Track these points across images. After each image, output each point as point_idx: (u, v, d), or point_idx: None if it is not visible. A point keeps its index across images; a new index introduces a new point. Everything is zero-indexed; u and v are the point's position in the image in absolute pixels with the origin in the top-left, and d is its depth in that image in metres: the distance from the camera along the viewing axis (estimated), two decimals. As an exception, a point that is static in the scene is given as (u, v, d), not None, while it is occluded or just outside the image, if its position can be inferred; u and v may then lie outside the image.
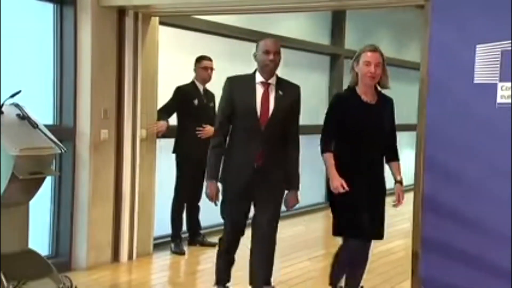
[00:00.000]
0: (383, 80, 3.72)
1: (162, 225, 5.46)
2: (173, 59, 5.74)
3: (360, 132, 3.68)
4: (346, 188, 3.58)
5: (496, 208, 3.69)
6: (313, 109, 7.73)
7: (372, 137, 3.70)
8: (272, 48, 3.71)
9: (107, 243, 4.95)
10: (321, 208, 7.60)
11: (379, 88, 3.78)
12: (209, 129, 5.02)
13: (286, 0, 4.68)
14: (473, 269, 3.70)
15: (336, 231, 3.79)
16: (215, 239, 4.63)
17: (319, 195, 7.83)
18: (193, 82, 5.44)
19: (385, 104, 3.78)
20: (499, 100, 3.67)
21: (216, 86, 4.89)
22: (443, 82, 3.82)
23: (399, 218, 5.50)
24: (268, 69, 3.72)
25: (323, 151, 3.72)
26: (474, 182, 3.75)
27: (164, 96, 5.40)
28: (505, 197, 3.65)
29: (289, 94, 3.80)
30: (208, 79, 5.43)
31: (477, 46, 3.70)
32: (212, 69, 5.42)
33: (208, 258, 4.89)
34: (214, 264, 4.03)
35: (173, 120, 5.44)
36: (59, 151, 3.53)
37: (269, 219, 3.77)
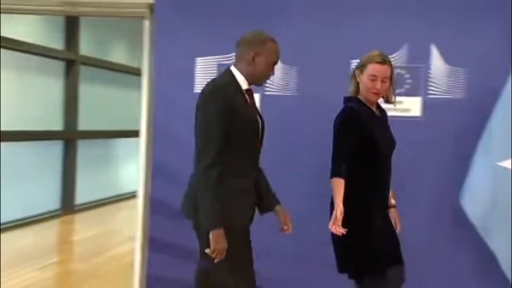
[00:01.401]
0: (389, 94, 3.13)
1: None
2: None
3: (380, 150, 3.09)
4: (341, 231, 2.92)
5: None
6: (45, 114, 7.52)
7: (389, 155, 3.16)
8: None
9: None
10: (54, 215, 7.41)
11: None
12: None
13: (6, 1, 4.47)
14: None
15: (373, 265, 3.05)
16: None
17: (51, 202, 7.63)
18: None
19: (385, 116, 3.26)
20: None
21: None
22: (167, 91, 4.02)
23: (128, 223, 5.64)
24: None
25: (334, 175, 3.02)
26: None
27: None
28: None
29: None
30: None
31: (197, 58, 4.01)
32: None
33: None
34: None
35: None
36: None
37: None
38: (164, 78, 4.04)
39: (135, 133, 4.53)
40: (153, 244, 4.08)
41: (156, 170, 4.09)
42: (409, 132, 3.72)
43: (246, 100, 2.89)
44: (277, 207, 3.04)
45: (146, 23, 4.12)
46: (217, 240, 2.73)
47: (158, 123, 4.08)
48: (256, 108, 2.97)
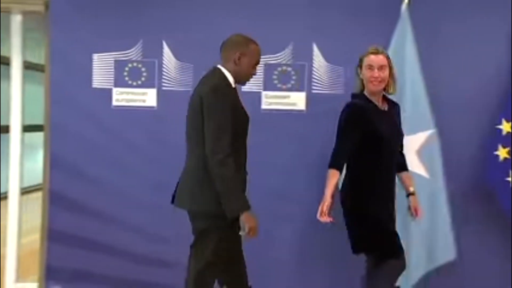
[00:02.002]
0: (389, 85, 3.31)
1: None
2: None
3: (384, 144, 3.25)
4: (327, 220, 3.16)
5: (116, 198, 4.16)
6: None
7: (394, 148, 3.34)
8: None
9: None
10: None
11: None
12: None
13: None
14: (96, 253, 4.15)
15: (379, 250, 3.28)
16: None
17: None
18: None
19: (394, 110, 3.40)
20: (114, 103, 4.17)
21: None
22: (64, 87, 4.08)
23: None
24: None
25: (331, 165, 3.22)
26: (97, 177, 4.14)
27: None
28: (124, 189, 4.15)
29: None
30: None
31: (94, 55, 4.11)
32: None
33: None
34: None
35: None
36: None
37: None
38: (61, 74, 4.10)
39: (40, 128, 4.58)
40: (52, 235, 4.15)
41: (54, 164, 4.16)
42: (295, 124, 4.06)
43: (238, 97, 3.13)
44: None
45: (42, 19, 4.15)
46: (249, 220, 2.95)
47: (55, 118, 4.12)
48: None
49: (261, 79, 4.08)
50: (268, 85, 4.10)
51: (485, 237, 3.98)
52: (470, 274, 3.98)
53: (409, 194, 3.44)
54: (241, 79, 3.17)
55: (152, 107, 4.15)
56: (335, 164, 3.22)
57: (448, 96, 3.86)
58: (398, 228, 3.72)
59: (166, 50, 4.13)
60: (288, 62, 4.07)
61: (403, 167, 3.46)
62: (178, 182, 3.24)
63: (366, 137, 3.21)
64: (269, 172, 4.05)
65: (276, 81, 4.10)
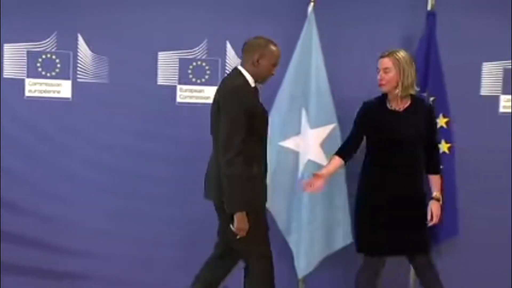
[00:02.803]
0: (399, 86, 3.44)
1: None
2: None
3: (383, 141, 3.46)
4: (312, 188, 3.52)
5: (28, 189, 4.16)
6: None
7: (396, 147, 3.43)
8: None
9: None
10: None
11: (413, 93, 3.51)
12: None
13: None
14: (7, 243, 4.15)
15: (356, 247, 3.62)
16: None
17: None
18: None
19: (418, 111, 3.48)
20: (27, 93, 4.13)
21: None
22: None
23: None
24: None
25: (336, 151, 3.66)
26: (9, 167, 4.13)
27: None
28: (36, 180, 4.16)
29: None
30: None
31: (4, 44, 4.06)
32: None
33: None
34: None
35: None
36: None
37: None
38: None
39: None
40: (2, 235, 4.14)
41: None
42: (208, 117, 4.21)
43: (257, 96, 3.30)
44: None
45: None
46: (240, 221, 3.18)
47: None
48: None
49: (176, 73, 4.21)
50: (183, 79, 4.22)
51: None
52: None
53: (431, 198, 3.54)
54: (260, 79, 3.34)
55: (67, 98, 4.17)
56: (337, 151, 3.64)
57: (350, 92, 4.08)
58: (303, 215, 3.97)
59: (81, 42, 4.16)
60: (203, 57, 4.22)
61: (429, 169, 3.56)
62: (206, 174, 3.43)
63: (368, 132, 3.53)
64: (186, 163, 4.19)
65: (191, 75, 4.23)
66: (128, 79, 4.16)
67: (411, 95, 3.50)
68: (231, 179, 3.14)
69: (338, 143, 3.86)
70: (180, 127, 4.20)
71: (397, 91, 3.45)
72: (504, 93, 4.24)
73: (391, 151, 3.43)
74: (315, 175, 3.52)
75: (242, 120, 3.14)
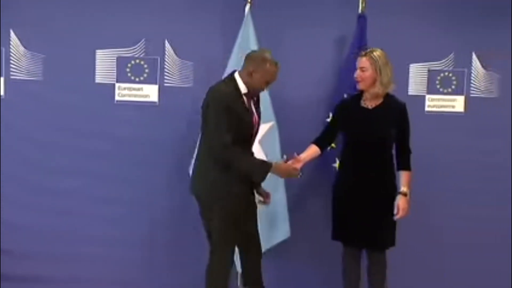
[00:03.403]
0: (377, 84, 3.57)
1: None
2: None
3: (352, 136, 3.65)
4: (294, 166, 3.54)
5: None
6: None
7: (364, 143, 3.57)
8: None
9: None
10: None
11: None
12: None
13: None
14: None
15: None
16: None
17: None
18: None
19: (389, 109, 3.60)
20: None
21: None
22: None
23: None
24: None
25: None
26: None
27: None
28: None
29: None
30: None
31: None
32: None
33: None
34: None
35: None
36: None
37: None
38: None
39: None
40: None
41: None
42: (147, 116, 4.23)
43: (244, 102, 3.37)
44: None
45: None
46: (279, 170, 3.41)
47: None
48: (255, 106, 3.48)
49: (114, 71, 4.20)
50: (122, 77, 4.21)
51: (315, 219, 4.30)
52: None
53: (398, 193, 3.60)
54: (251, 90, 3.42)
55: (-1, 96, 4.10)
56: (313, 140, 3.76)
57: (287, 91, 4.20)
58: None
59: (14, 38, 4.09)
60: (141, 56, 4.22)
61: (399, 165, 3.64)
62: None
63: (340, 127, 3.73)
64: (125, 162, 4.21)
65: (129, 74, 4.23)
66: (64, 77, 4.12)
67: (387, 94, 3.63)
68: (240, 160, 3.32)
69: (276, 141, 3.95)
70: (118, 126, 4.19)
71: (376, 89, 3.58)
72: (429, 92, 4.47)
73: (359, 146, 3.58)
74: (295, 159, 3.59)
75: (225, 117, 3.26)
